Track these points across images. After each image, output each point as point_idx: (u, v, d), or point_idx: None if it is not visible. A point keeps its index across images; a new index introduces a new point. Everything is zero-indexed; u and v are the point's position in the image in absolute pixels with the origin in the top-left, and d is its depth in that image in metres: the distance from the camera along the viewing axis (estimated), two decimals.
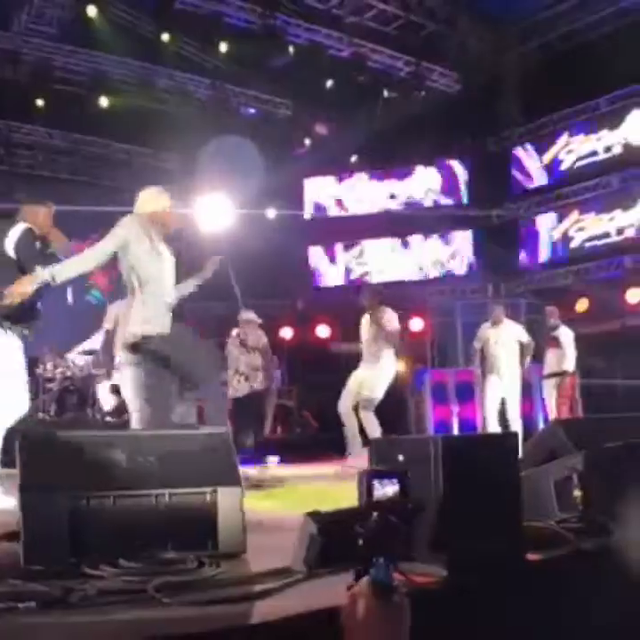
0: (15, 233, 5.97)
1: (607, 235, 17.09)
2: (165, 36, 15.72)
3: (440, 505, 2.88)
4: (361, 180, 20.19)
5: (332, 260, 20.16)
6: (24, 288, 5.58)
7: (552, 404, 12.46)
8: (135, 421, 7.09)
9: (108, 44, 15.85)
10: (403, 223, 19.44)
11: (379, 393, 9.57)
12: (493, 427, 11.20)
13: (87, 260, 5.84)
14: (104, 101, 16.67)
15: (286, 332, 18.09)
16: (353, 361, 10.01)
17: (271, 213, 19.53)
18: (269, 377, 11.85)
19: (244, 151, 16.77)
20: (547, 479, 3.79)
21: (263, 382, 11.48)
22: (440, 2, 16.91)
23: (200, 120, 17.58)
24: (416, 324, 17.67)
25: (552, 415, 12.23)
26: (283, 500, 6.78)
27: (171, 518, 3.42)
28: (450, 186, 19.41)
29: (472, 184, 19.17)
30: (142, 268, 5.81)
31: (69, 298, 6.38)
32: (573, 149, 17.76)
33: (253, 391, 11.20)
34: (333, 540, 2.78)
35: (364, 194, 20.12)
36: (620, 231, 16.85)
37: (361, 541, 2.60)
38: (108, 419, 11.53)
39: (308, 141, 19.60)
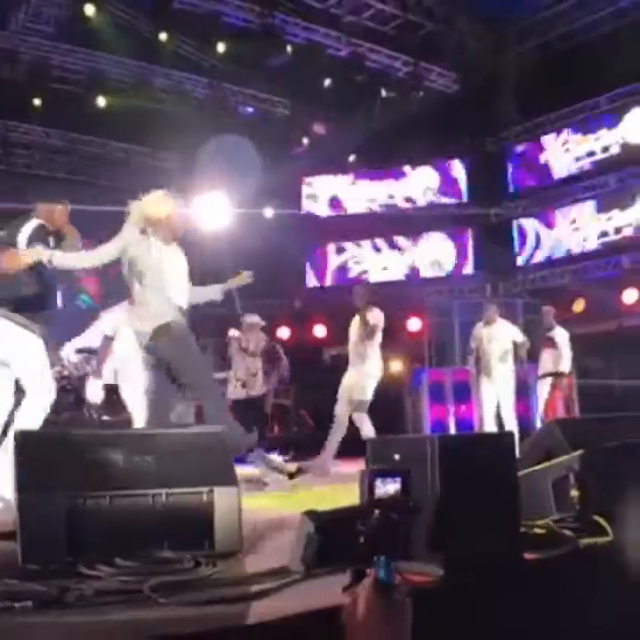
0: (28, 228, 6.01)
1: (605, 234, 17.09)
2: (163, 36, 15.70)
3: (437, 504, 2.88)
4: (359, 180, 20.19)
5: (329, 259, 20.15)
6: (18, 260, 5.64)
7: (542, 404, 12.42)
8: (137, 421, 7.12)
9: (105, 44, 15.84)
10: (400, 223, 19.44)
11: (367, 394, 9.56)
12: (490, 426, 11.20)
13: (88, 258, 5.89)
14: (101, 101, 16.65)
15: (283, 332, 18.08)
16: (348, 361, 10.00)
17: (269, 212, 19.52)
18: (268, 381, 11.86)
19: (241, 150, 16.76)
20: (544, 479, 3.79)
21: (261, 388, 11.48)
22: (438, 1, 16.90)
23: (198, 119, 17.57)
24: (413, 324, 17.68)
25: (543, 415, 12.19)
26: (279, 499, 6.78)
27: (167, 518, 3.42)
28: (448, 185, 19.42)
29: (470, 183, 19.18)
30: (143, 274, 5.83)
31: (59, 302, 6.39)
32: (571, 149, 17.77)
33: (250, 396, 11.20)
34: (331, 539, 2.77)
35: (361, 193, 20.12)
36: (617, 231, 16.85)
37: (362, 539, 2.60)
38: (105, 418, 11.51)
39: (305, 141, 19.60)
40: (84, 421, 11.24)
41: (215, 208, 12.63)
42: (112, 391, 9.09)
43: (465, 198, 19.28)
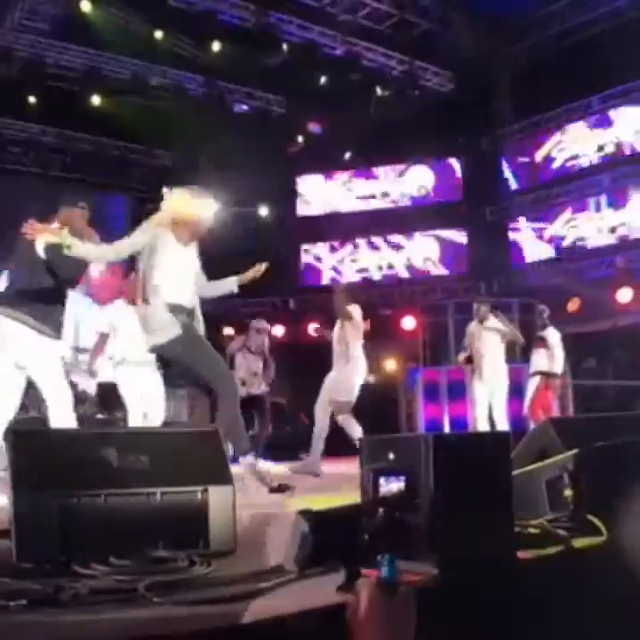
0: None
1: (600, 233, 17.12)
2: (159, 34, 15.70)
3: (431, 503, 2.88)
4: (354, 179, 20.20)
5: (325, 258, 20.15)
6: (44, 231, 5.69)
7: (528, 401, 12.38)
8: (133, 419, 7.14)
9: (101, 41, 15.84)
10: (395, 221, 19.45)
11: (351, 395, 9.53)
12: (482, 426, 11.19)
13: (104, 252, 5.88)
14: (97, 98, 16.65)
15: (278, 331, 18.07)
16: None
17: (263, 211, 19.54)
18: (267, 380, 11.87)
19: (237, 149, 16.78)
20: (538, 478, 3.79)
21: (260, 386, 11.48)
22: (434, 0, 16.92)
23: (193, 117, 17.55)
24: (408, 323, 17.68)
25: (529, 412, 12.16)
26: (275, 497, 6.77)
27: (162, 517, 3.42)
28: (443, 184, 19.44)
29: (465, 183, 19.21)
30: (155, 275, 5.80)
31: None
32: (566, 148, 17.81)
33: (250, 394, 11.20)
34: (325, 538, 2.78)
35: (356, 192, 20.14)
36: (612, 230, 16.89)
37: (366, 537, 2.61)
38: (100, 416, 11.51)
39: (301, 139, 19.60)
40: (79, 420, 11.23)
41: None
42: (109, 389, 9.08)
43: (460, 197, 19.30)
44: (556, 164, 17.96)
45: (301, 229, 19.92)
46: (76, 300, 8.38)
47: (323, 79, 17.09)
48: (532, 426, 11.06)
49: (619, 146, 16.83)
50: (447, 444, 3.07)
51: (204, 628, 2.34)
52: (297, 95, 18.11)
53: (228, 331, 12.27)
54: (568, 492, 3.59)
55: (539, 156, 18.26)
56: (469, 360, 11.69)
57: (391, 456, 3.09)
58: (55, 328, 6.09)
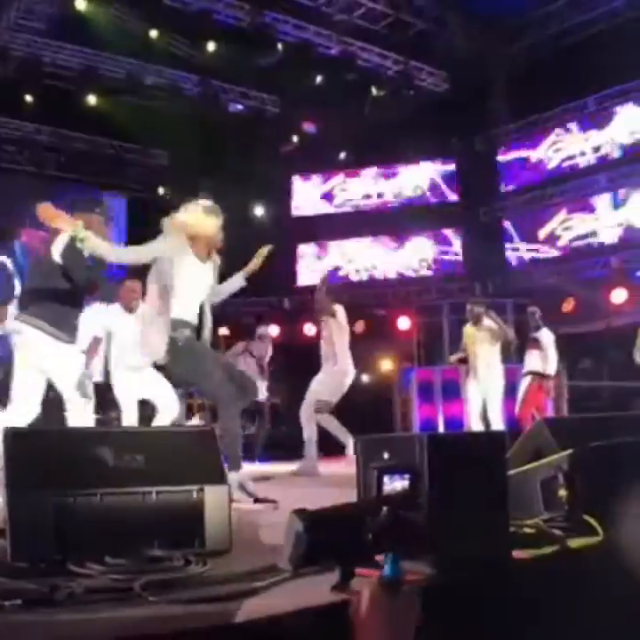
0: (62, 240, 6.01)
1: (594, 234, 17.13)
2: (154, 33, 15.70)
3: (426, 503, 2.88)
4: (348, 179, 20.20)
5: (320, 258, 20.14)
6: (60, 217, 5.67)
7: (519, 400, 12.37)
8: (127, 420, 7.16)
9: (97, 41, 15.85)
10: (390, 221, 19.45)
11: (331, 395, 9.53)
12: (476, 426, 11.21)
13: (120, 253, 5.86)
14: (93, 97, 16.65)
15: (273, 331, 18.06)
16: None
17: (258, 211, 19.54)
18: (265, 380, 11.91)
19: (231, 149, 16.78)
20: (533, 478, 3.80)
21: (260, 391, 11.49)
22: (429, 0, 16.93)
23: (188, 117, 17.55)
24: (403, 323, 17.68)
25: (519, 411, 12.15)
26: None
27: (157, 516, 3.41)
28: (437, 184, 19.44)
29: (460, 183, 19.21)
30: (158, 292, 5.79)
31: None
32: (561, 148, 17.80)
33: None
34: (320, 538, 2.78)
35: (351, 192, 20.14)
36: (607, 231, 16.89)
37: (370, 536, 2.61)
38: (95, 416, 11.48)
39: (296, 139, 19.61)
40: None
41: None
42: (104, 390, 9.09)
43: (454, 198, 19.31)
44: (551, 165, 17.96)
45: (296, 229, 19.90)
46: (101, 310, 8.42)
47: (318, 79, 17.09)
48: (523, 426, 11.09)
49: (615, 146, 16.84)
50: (442, 444, 3.07)
51: (200, 626, 2.34)
52: (292, 95, 18.13)
53: (224, 331, 12.27)
54: (563, 492, 3.60)
55: (534, 156, 18.26)
56: (463, 360, 11.72)
57: (386, 456, 3.09)
58: (71, 333, 6.11)
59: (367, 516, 2.78)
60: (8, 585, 2.74)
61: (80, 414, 5.98)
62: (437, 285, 19.06)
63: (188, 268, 5.82)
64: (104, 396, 9.08)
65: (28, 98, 16.44)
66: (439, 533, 2.86)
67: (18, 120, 17.82)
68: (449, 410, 14.55)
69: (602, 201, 17.09)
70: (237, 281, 6.49)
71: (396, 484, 2.95)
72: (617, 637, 3.07)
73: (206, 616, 2.44)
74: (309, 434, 9.50)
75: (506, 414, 11.63)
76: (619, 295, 15.58)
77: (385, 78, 17.94)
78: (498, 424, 11.04)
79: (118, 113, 16.96)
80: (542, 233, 18.04)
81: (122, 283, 8.52)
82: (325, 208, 20.15)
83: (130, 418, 8.17)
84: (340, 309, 9.65)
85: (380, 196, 19.86)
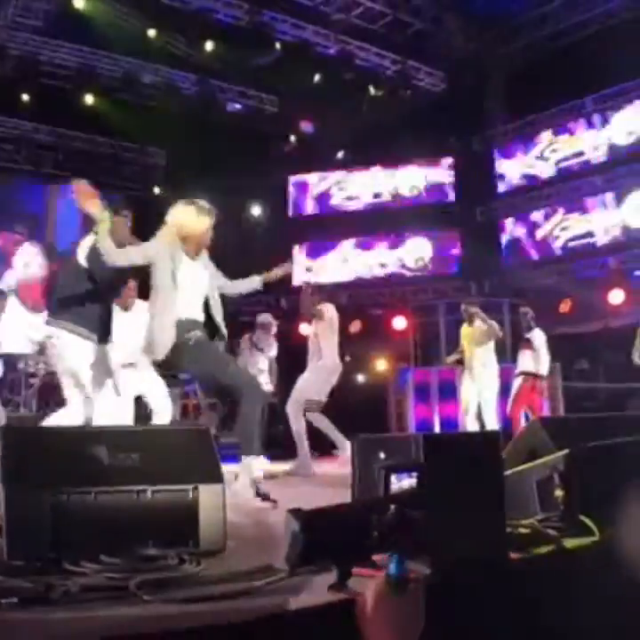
0: (87, 243, 6.05)
1: (591, 234, 17.13)
2: (152, 32, 15.70)
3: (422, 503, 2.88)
4: (346, 178, 20.19)
5: (316, 257, 20.13)
6: (95, 205, 5.77)
7: (510, 400, 12.36)
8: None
9: (94, 39, 15.83)
10: (387, 221, 19.43)
11: (319, 394, 9.52)
12: (471, 425, 11.22)
13: (121, 252, 5.86)
14: (90, 96, 16.65)
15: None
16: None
17: (256, 210, 19.53)
18: (273, 381, 11.91)
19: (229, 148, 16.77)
20: (529, 479, 3.80)
21: (267, 385, 11.47)
22: (427, 0, 16.93)
23: (186, 116, 17.54)
24: (399, 323, 17.68)
25: (509, 411, 12.14)
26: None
27: (152, 515, 3.41)
28: (434, 184, 19.44)
29: (457, 183, 19.21)
30: (160, 292, 5.81)
31: None
32: (558, 149, 17.81)
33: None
34: (316, 537, 2.78)
35: (348, 191, 20.13)
36: (605, 231, 16.89)
37: (376, 534, 2.61)
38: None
39: (293, 138, 19.61)
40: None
41: None
42: None
43: (451, 197, 19.31)
44: (548, 165, 17.97)
45: (293, 229, 19.90)
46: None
47: (316, 78, 17.09)
48: (514, 426, 11.12)
49: (612, 147, 16.85)
50: (438, 444, 3.07)
51: (194, 625, 2.34)
52: (290, 94, 18.13)
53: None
54: (559, 493, 3.59)
55: (531, 156, 18.27)
56: (460, 362, 11.75)
57: (382, 456, 3.09)
58: (102, 333, 6.23)
59: (374, 514, 2.78)
60: (4, 583, 2.74)
61: (108, 412, 6.12)
62: (434, 285, 19.05)
63: (184, 267, 5.83)
64: None
65: (26, 96, 16.44)
66: (435, 533, 2.86)
67: (15, 119, 17.79)
68: (445, 410, 14.57)
69: (599, 201, 17.09)
70: (254, 283, 6.52)
71: (403, 483, 2.95)
72: (612, 637, 3.07)
73: (201, 615, 2.44)
74: (298, 428, 9.48)
75: (501, 414, 11.64)
76: (616, 296, 15.59)
77: (383, 78, 17.93)
78: (493, 424, 11.05)
79: (116, 112, 16.96)
80: (539, 233, 18.04)
81: None
82: (322, 207, 20.14)
83: (126, 416, 8.16)
84: (330, 308, 9.63)
85: (376, 195, 19.85)
